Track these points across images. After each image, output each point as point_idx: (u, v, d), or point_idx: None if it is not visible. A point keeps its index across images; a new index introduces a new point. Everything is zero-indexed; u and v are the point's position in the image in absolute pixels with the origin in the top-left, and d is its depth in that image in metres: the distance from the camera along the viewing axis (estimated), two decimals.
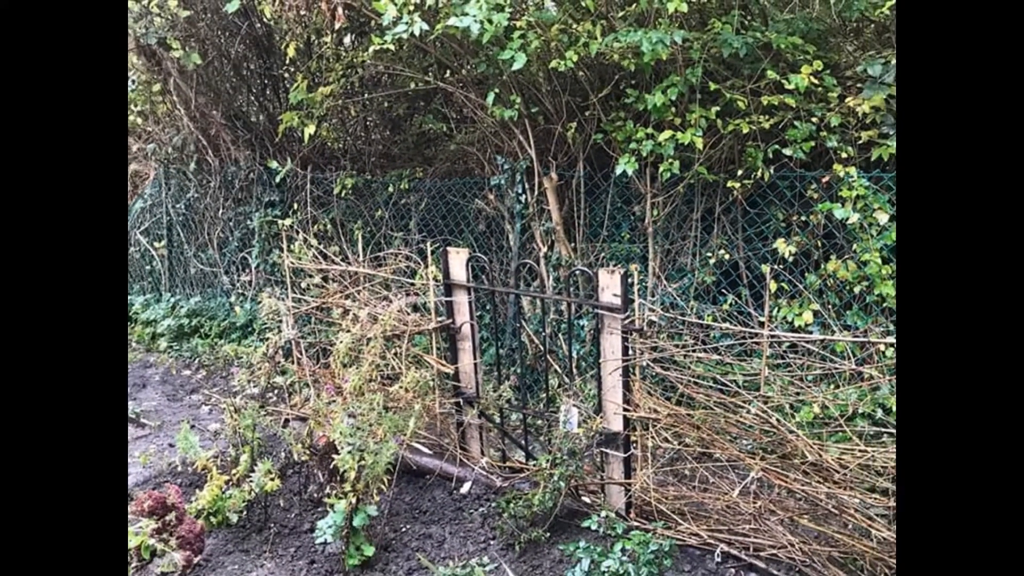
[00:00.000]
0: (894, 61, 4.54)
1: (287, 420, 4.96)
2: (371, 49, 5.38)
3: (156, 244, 8.90)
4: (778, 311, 4.71)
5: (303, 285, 5.11)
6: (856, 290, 4.53)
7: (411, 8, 4.86)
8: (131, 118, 8.85)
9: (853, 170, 4.50)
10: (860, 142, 4.63)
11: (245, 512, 4.22)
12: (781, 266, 4.81)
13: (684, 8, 4.44)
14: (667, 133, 4.74)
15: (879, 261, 4.38)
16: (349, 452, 3.71)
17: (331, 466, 3.98)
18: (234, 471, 4.34)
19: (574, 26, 5.03)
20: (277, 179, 7.40)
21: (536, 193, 5.76)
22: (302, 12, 6.05)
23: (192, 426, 4.89)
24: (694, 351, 3.92)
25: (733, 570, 3.61)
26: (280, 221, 7.34)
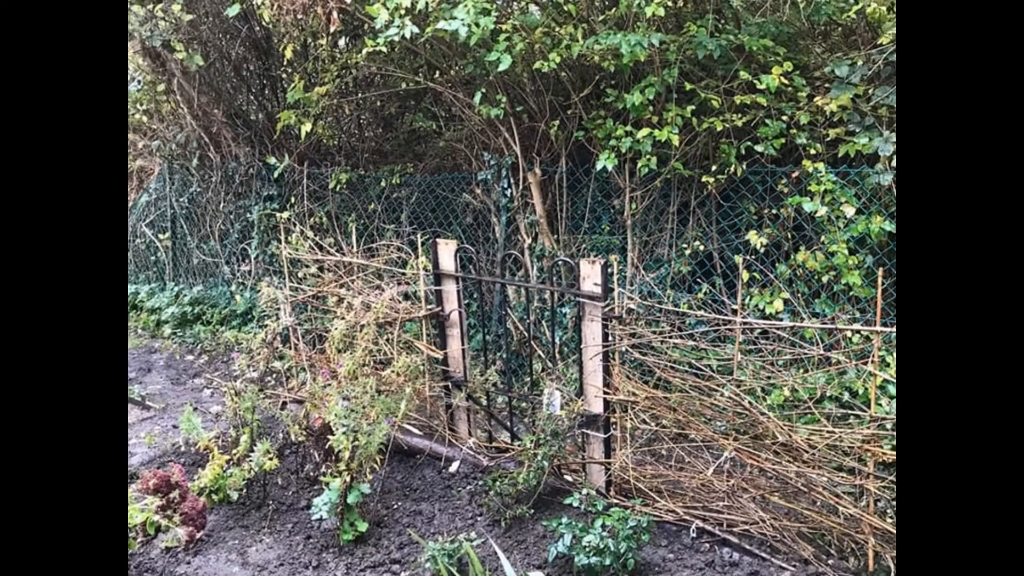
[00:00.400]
0: (860, 62, 4.51)
1: (285, 403, 4.88)
2: (364, 51, 5.33)
3: (160, 236, 8.78)
4: (750, 299, 4.68)
5: (300, 275, 5.05)
6: (824, 279, 4.50)
7: (402, 12, 4.79)
8: (137, 116, 8.73)
9: (821, 166, 4.48)
10: (828, 139, 4.61)
11: (245, 490, 4.17)
12: (753, 257, 4.79)
13: (661, 12, 4.40)
14: (645, 131, 4.69)
15: (846, 252, 4.36)
16: (344, 433, 3.66)
17: (326, 446, 3.92)
18: (234, 451, 4.28)
19: (557, 29, 4.98)
20: (275, 174, 7.31)
21: (521, 187, 5.70)
22: (299, 16, 5.96)
23: (195, 408, 4.82)
24: (670, 337, 3.89)
25: (707, 545, 3.58)
26: (278, 214, 7.26)
